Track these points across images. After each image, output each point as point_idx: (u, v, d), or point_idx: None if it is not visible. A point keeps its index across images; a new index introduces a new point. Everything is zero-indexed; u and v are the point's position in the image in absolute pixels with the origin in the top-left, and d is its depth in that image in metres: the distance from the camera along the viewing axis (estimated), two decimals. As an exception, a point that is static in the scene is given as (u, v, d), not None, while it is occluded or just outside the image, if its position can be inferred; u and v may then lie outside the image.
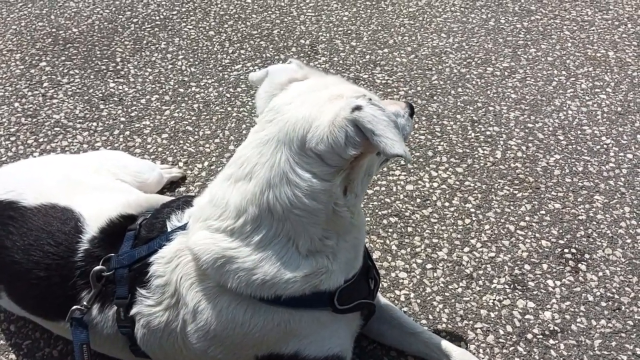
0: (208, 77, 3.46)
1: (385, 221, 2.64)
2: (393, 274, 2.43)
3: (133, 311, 1.84)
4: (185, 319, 1.78)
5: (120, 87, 3.38)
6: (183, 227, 1.84)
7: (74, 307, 1.86)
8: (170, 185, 2.79)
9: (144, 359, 1.94)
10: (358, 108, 1.48)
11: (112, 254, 1.88)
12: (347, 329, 1.89)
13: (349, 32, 3.81)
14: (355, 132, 1.49)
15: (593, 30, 3.79)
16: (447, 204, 2.72)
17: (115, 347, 1.96)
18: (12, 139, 3.03)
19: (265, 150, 1.63)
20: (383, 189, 2.79)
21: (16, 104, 3.27)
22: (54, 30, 3.83)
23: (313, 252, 1.68)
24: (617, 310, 2.32)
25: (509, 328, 2.26)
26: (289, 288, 1.66)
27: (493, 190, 2.77)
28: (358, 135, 1.49)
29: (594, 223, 2.63)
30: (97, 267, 1.86)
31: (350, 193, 1.65)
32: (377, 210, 2.69)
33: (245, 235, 1.67)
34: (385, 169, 2.87)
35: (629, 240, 2.57)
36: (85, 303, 1.87)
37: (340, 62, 3.57)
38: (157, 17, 3.93)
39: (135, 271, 1.85)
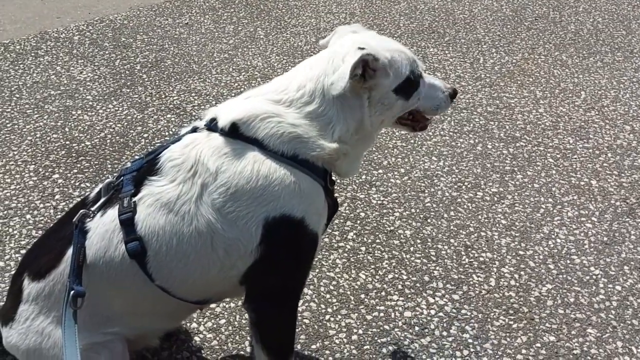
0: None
1: (384, 350, 2.48)
2: (393, 408, 2.26)
3: (140, 194, 1.83)
4: (205, 182, 1.79)
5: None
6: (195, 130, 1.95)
7: (82, 210, 1.83)
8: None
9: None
10: (361, 49, 1.86)
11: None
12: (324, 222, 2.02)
13: (346, 151, 3.71)
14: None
15: (575, 158, 3.72)
16: (444, 333, 2.56)
17: (111, 263, 1.83)
18: (23, 252, 2.86)
19: (317, 63, 1.95)
20: (381, 314, 2.63)
21: (28, 216, 3.12)
22: (67, 142, 3.71)
23: (344, 141, 1.90)
24: None
25: None
26: (312, 151, 1.86)
27: (489, 320, 2.62)
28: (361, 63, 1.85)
29: (589, 358, 2.47)
30: (108, 179, 1.92)
31: (372, 108, 1.95)
32: (376, 338, 2.53)
33: (299, 105, 1.88)
34: (382, 293, 2.72)
35: (623, 376, 2.41)
36: (93, 209, 1.86)
37: (338, 181, 3.45)
38: (167, 133, 3.83)
39: (145, 169, 1.88)
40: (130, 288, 1.86)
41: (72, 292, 1.75)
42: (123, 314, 1.93)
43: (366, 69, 1.88)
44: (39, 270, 1.94)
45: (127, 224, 1.80)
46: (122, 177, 1.89)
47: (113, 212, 1.84)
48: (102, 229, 1.83)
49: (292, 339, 2.07)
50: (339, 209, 3.15)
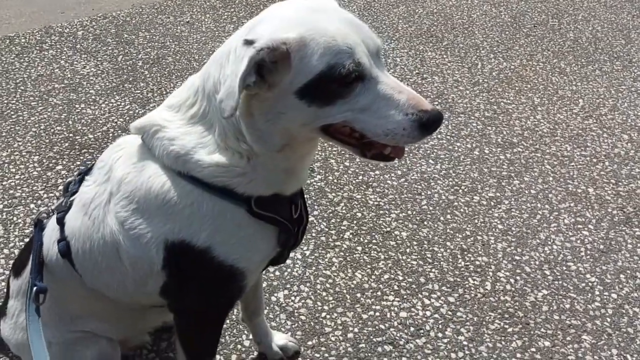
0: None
1: (379, 349, 2.47)
2: (388, 407, 2.25)
3: (77, 193, 1.77)
4: (112, 190, 1.67)
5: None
6: None
7: (42, 208, 1.86)
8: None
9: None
10: (248, 42, 1.42)
11: None
12: (260, 248, 1.71)
13: (343, 152, 3.70)
14: None
15: (573, 165, 3.72)
16: (440, 334, 2.55)
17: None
18: (26, 240, 2.85)
19: (217, 52, 1.60)
20: (377, 314, 2.63)
21: (32, 205, 3.10)
22: (71, 135, 3.71)
23: (231, 148, 1.56)
24: None
25: None
26: (198, 171, 1.57)
27: (484, 323, 2.62)
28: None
29: (583, 364, 2.47)
30: (70, 179, 1.87)
31: (263, 114, 1.50)
32: (371, 337, 2.52)
33: (184, 109, 1.62)
34: (378, 293, 2.72)
35: (616, 382, 2.41)
36: (53, 207, 1.83)
37: (335, 180, 3.46)
38: (168, 129, 3.82)
39: (90, 167, 1.82)
40: (72, 286, 1.82)
41: (34, 288, 1.72)
42: (85, 312, 1.93)
43: (263, 67, 1.43)
44: (17, 267, 1.97)
45: (60, 223, 1.76)
46: (79, 176, 1.84)
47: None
48: (50, 227, 1.82)
49: (213, 351, 1.98)
50: (337, 208, 3.16)
